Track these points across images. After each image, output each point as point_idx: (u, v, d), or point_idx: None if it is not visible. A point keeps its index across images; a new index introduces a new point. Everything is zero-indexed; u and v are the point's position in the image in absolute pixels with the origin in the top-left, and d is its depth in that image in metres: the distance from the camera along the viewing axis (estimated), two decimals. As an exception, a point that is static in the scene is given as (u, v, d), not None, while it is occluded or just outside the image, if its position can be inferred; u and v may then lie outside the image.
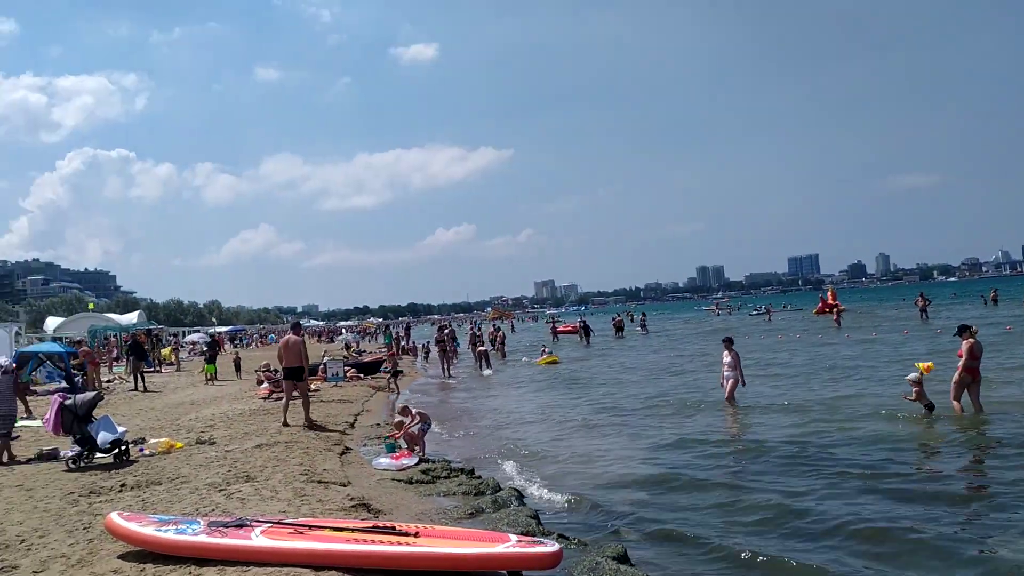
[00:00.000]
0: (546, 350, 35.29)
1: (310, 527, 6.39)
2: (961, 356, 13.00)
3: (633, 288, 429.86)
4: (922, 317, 43.47)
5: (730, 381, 16.03)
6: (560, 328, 57.27)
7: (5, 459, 11.95)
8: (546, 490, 9.97)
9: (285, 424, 14.24)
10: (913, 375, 13.35)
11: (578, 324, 52.49)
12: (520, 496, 9.25)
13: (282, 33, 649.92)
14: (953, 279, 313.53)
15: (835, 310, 46.33)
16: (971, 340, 13.02)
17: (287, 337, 15.50)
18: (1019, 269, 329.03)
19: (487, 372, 29.87)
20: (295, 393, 15.01)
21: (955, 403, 13.01)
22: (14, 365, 13.59)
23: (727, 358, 16.14)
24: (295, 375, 14.83)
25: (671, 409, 16.45)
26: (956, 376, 13.05)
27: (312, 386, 21.43)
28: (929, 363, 13.99)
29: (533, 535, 6.84)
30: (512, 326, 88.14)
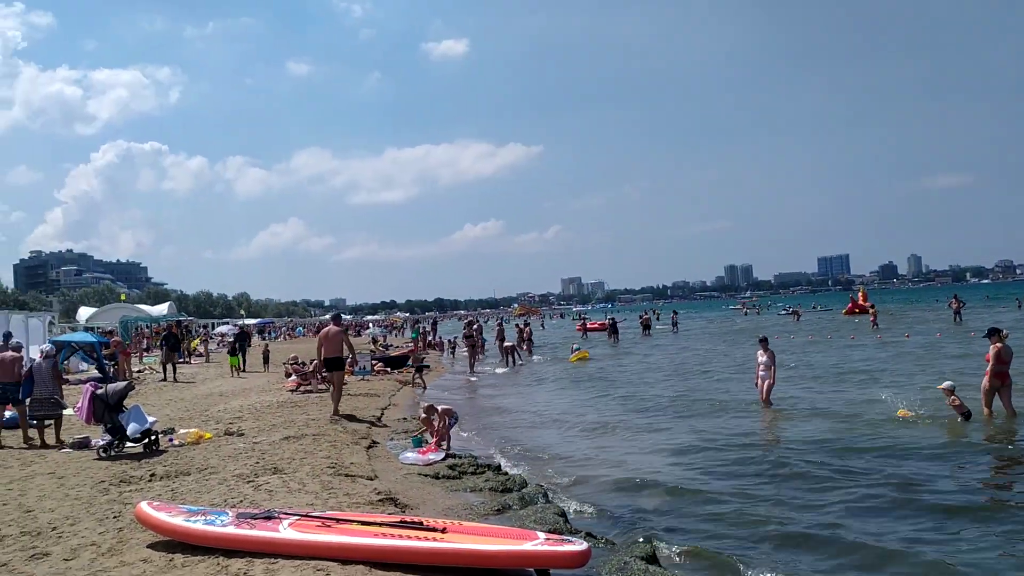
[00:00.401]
0: (576, 347, 35.22)
1: (337, 520, 6.38)
2: (989, 360, 12.79)
3: (660, 286, 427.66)
4: (955, 320, 42.80)
5: (765, 382, 15.83)
6: (589, 325, 57.13)
7: (50, 442, 12.32)
8: (574, 488, 9.91)
9: (336, 413, 14.53)
10: (947, 384, 13.10)
11: (607, 322, 52.30)
12: (547, 494, 9.20)
13: (314, 28, 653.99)
14: (986, 281, 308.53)
15: (871, 311, 45.43)
16: (999, 344, 12.78)
17: (328, 328, 15.66)
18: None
19: (514, 368, 29.86)
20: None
21: (986, 409, 12.77)
22: (54, 350, 13.86)
23: (762, 358, 15.91)
24: (334, 365, 15.05)
25: (700, 409, 16.30)
26: (985, 382, 12.82)
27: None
28: (905, 411, 13.76)
29: (561, 533, 6.77)
30: (542, 323, 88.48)
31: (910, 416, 13.48)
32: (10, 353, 13.29)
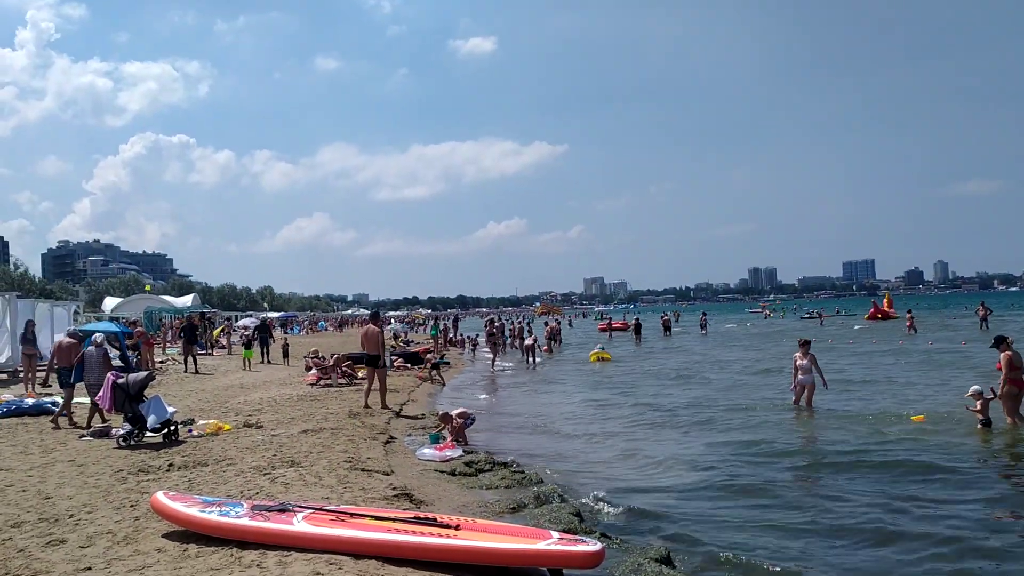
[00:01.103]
0: (600, 346, 35.14)
1: (352, 515, 6.36)
2: (1001, 369, 12.74)
3: (683, 287, 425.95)
4: (982, 327, 42.24)
5: (805, 386, 15.60)
6: (615, 324, 57.06)
7: (96, 424, 12.78)
8: (590, 489, 9.82)
9: (365, 406, 15.19)
10: (975, 388, 12.94)
11: (630, 323, 52.03)
12: (563, 494, 9.13)
13: (343, 23, 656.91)
14: (1015, 289, 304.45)
15: (908, 316, 44.60)
16: (1009, 352, 12.74)
17: (367, 327, 16.43)
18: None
19: (532, 367, 29.81)
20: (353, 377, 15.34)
21: (1008, 418, 12.65)
22: (104, 339, 14.57)
23: (801, 361, 15.68)
24: (374, 362, 15.73)
25: (725, 412, 16.08)
26: (1001, 390, 12.75)
27: (360, 374, 21.67)
28: (921, 415, 13.71)
29: (575, 533, 6.71)
30: (570, 322, 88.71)
31: (925, 422, 13.41)
32: (67, 339, 14.46)
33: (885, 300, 67.44)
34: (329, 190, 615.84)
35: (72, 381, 13.59)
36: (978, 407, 12.71)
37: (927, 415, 13.97)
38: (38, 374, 18.23)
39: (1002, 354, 12.80)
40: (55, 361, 14.59)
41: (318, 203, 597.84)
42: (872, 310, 61.38)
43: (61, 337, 15.04)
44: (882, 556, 7.14)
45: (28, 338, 19.23)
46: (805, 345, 15.89)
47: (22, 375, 19.20)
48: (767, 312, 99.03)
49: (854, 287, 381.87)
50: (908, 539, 7.52)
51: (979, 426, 12.57)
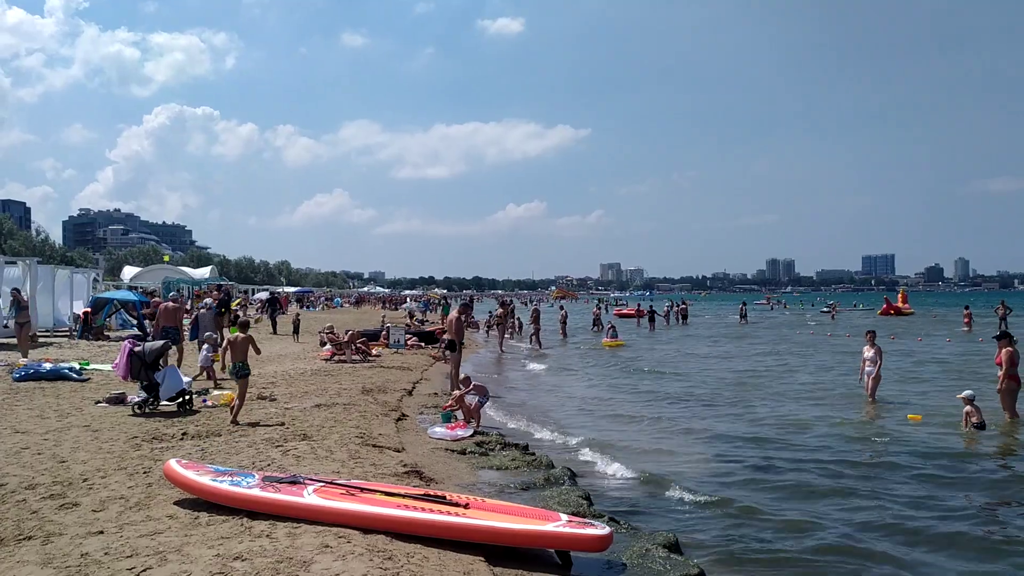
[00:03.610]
0: (612, 328, 35.12)
1: (362, 489, 6.40)
2: (1001, 364, 12.88)
3: (700, 276, 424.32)
4: (1001, 325, 41.78)
5: (870, 377, 15.62)
6: (625, 311, 56.89)
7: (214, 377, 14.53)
8: (601, 474, 9.83)
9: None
10: (967, 392, 12.79)
11: (644, 309, 51.68)
12: (573, 475, 9.14)
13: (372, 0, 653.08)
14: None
15: (965, 313, 43.88)
16: (1010, 348, 12.91)
17: (452, 315, 16.92)
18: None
19: (540, 349, 29.87)
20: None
21: (1007, 413, 12.79)
22: (213, 302, 15.65)
23: (868, 352, 15.67)
24: (453, 347, 16.03)
25: (733, 403, 16.06)
26: (1000, 385, 12.91)
27: (374, 351, 21.76)
28: (918, 415, 13.68)
29: (583, 516, 6.72)
30: (605, 306, 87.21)
31: (920, 420, 13.38)
32: (171, 304, 16.31)
33: (900, 296, 66.66)
34: (351, 167, 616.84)
35: (191, 338, 16.70)
36: (971, 413, 12.47)
37: (938, 415, 13.83)
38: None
39: (1003, 349, 12.93)
40: (161, 322, 15.73)
41: (339, 180, 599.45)
42: (884, 306, 60.58)
43: (164, 302, 17.33)
44: (900, 556, 7.11)
45: (22, 306, 19.15)
46: (872, 335, 15.97)
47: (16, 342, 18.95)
48: (772, 304, 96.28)
49: (872, 281, 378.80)
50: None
51: (968, 428, 12.36)
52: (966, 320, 42.83)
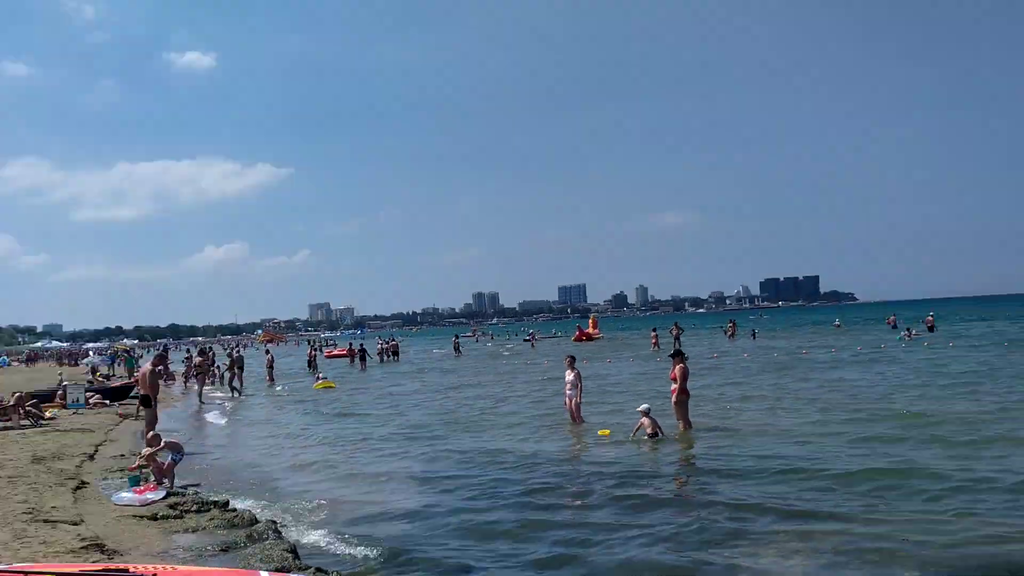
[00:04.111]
0: (321, 375, 34.57)
1: (27, 573, 5.60)
2: (675, 379, 14.46)
3: (410, 312, 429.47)
4: (675, 344, 46.85)
5: (572, 400, 16.43)
6: (334, 352, 56.06)
7: None
8: (310, 522, 9.52)
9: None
10: (644, 406, 14.31)
11: (356, 349, 51.17)
12: (278, 529, 8.74)
13: (35, 27, 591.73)
14: (702, 311, 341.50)
15: (653, 336, 47.80)
16: (682, 364, 14.60)
17: (145, 368, 16.31)
18: (756, 303, 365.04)
19: (239, 397, 28.58)
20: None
21: (680, 422, 14.37)
22: None
23: (569, 376, 16.34)
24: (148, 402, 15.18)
25: (447, 431, 16.49)
26: (674, 397, 14.46)
27: (48, 413, 19.51)
28: (607, 430, 15.02)
29: (288, 571, 6.42)
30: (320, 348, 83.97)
31: (609, 435, 14.60)
32: None
33: (591, 322, 72.80)
34: (16, 208, 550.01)
35: None
36: (648, 424, 13.94)
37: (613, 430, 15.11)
38: None
39: (677, 366, 14.52)
40: None
41: (4, 223, 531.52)
42: (577, 332, 65.53)
43: None
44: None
45: None
46: (572, 360, 16.91)
47: None
48: (477, 336, 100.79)
49: (568, 310, 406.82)
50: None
51: (646, 437, 13.84)
52: (654, 341, 47.32)
